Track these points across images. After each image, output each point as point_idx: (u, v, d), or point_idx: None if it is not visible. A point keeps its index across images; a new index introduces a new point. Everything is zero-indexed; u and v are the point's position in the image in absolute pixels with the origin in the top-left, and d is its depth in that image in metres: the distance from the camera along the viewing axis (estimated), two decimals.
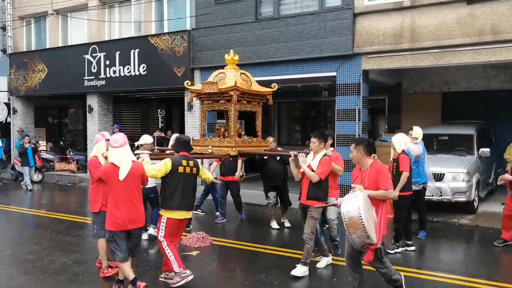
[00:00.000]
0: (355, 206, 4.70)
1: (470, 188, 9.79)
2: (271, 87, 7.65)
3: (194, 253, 7.45)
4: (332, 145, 13.88)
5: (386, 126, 14.98)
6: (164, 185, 5.81)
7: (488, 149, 10.52)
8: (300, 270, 6.29)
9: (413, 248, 7.61)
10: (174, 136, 8.08)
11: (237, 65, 7.67)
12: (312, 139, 6.33)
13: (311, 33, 12.19)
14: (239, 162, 9.44)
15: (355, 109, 11.74)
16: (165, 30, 15.50)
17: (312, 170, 6.21)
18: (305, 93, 15.96)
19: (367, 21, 11.55)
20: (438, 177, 9.83)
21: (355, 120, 11.75)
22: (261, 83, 14.12)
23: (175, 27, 15.28)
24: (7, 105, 19.93)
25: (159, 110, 18.19)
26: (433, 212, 9.92)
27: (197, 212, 10.28)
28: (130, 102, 19.83)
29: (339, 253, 7.09)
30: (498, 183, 8.69)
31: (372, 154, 5.34)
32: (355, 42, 11.70)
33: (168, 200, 5.77)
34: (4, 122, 20.43)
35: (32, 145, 14.90)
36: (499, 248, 7.77)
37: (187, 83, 7.79)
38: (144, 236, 7.93)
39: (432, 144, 11.38)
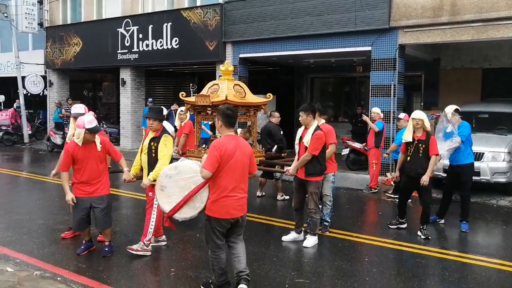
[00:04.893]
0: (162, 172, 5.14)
1: (511, 169, 9.41)
2: (266, 97, 7.62)
3: None
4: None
5: (422, 103, 14.53)
6: None
7: None
8: (311, 241, 6.46)
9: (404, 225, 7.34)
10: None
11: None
12: (300, 113, 6.37)
13: (346, 6, 11.84)
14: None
15: (390, 85, 11.43)
16: (198, 4, 15.35)
17: (306, 147, 6.27)
18: (339, 68, 15.62)
19: None
20: (477, 157, 9.37)
21: (390, 96, 11.45)
22: (295, 57, 14.13)
23: (208, 0, 15.10)
24: (44, 78, 20.28)
25: (191, 84, 18.13)
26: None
27: None
28: (162, 75, 19.86)
29: (326, 232, 7.01)
30: None
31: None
32: (392, 15, 11.30)
33: None
34: (41, 94, 20.85)
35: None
36: None
37: (182, 94, 7.79)
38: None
39: (471, 122, 10.85)
